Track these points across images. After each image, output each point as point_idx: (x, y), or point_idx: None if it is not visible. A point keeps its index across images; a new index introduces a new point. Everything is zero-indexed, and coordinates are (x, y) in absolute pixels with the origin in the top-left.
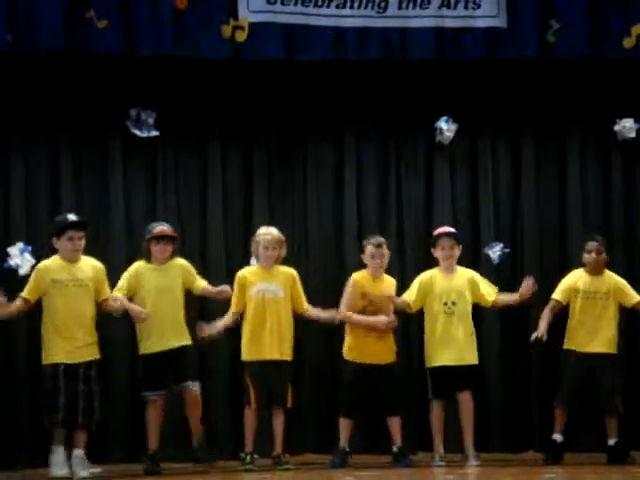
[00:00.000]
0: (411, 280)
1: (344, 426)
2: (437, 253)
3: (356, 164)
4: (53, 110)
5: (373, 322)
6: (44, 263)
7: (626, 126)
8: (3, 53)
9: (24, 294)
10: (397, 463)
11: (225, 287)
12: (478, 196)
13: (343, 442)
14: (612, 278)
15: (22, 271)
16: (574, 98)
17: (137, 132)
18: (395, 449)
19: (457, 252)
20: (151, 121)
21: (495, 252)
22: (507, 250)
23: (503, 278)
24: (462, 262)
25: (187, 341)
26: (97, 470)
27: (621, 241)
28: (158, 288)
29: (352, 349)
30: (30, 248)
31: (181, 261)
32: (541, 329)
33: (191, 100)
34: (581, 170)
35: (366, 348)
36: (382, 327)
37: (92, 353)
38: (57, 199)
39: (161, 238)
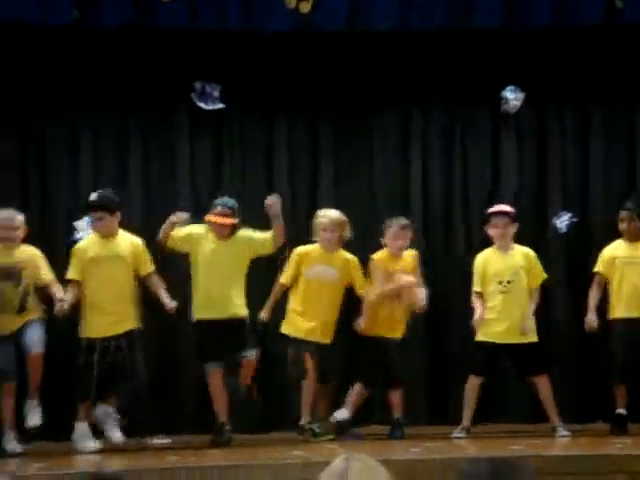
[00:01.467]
0: (477, 252)
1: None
2: (490, 231)
3: (421, 136)
4: (119, 84)
5: (401, 284)
6: (79, 244)
7: None
8: (70, 28)
9: (72, 277)
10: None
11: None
12: (546, 166)
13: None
14: None
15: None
16: None
17: (202, 105)
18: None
19: (511, 230)
20: (216, 94)
21: (563, 222)
22: (575, 219)
23: (571, 248)
24: (529, 233)
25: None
26: (166, 441)
27: None
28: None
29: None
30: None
31: (245, 235)
32: (590, 313)
33: (256, 73)
34: None
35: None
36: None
37: (130, 325)
38: (124, 172)
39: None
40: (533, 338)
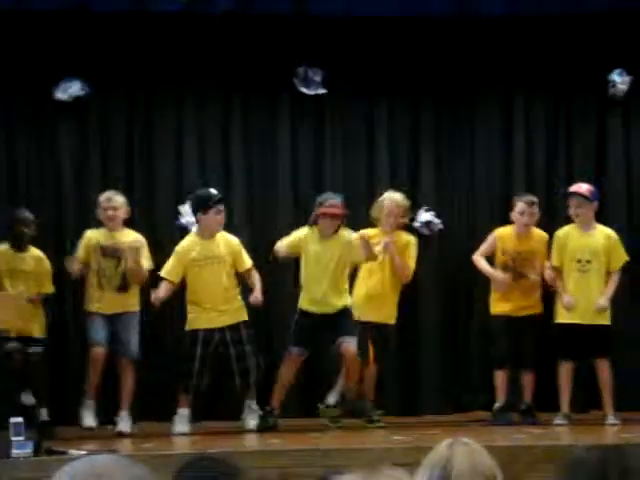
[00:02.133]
0: None
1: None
2: (569, 210)
3: (525, 120)
4: (224, 71)
5: (492, 275)
6: (182, 245)
7: None
8: (175, 15)
9: (167, 276)
10: (523, 420)
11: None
12: None
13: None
14: None
15: (193, 229)
16: None
17: (305, 90)
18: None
19: (583, 211)
20: (318, 79)
21: None
22: None
23: None
24: (635, 217)
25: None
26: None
27: None
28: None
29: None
30: None
31: (347, 235)
32: None
33: (358, 58)
34: None
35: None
36: (498, 285)
37: (236, 317)
38: (227, 157)
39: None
40: (607, 321)
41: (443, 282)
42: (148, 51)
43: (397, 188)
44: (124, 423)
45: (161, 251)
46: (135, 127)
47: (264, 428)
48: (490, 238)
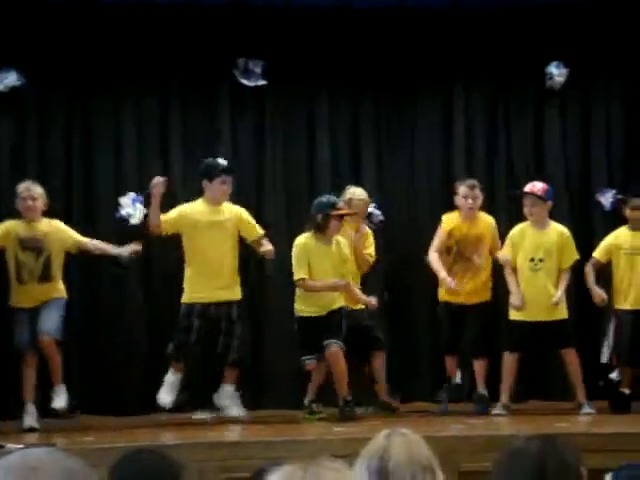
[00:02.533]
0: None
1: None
2: (524, 210)
3: (464, 112)
4: (163, 61)
5: (442, 279)
6: (187, 205)
7: None
8: (113, 5)
9: (162, 220)
10: (480, 410)
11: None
12: (590, 143)
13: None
14: None
15: (133, 220)
16: None
17: (245, 81)
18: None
19: (537, 210)
20: (259, 70)
21: (608, 199)
22: (620, 196)
23: (616, 224)
24: (574, 210)
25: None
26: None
27: None
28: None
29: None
30: (142, 198)
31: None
32: (597, 291)
33: (299, 49)
34: None
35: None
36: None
37: (232, 294)
38: (166, 149)
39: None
40: (564, 315)
41: (387, 272)
42: (86, 42)
43: (338, 181)
44: (59, 399)
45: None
46: (73, 119)
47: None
48: (439, 229)
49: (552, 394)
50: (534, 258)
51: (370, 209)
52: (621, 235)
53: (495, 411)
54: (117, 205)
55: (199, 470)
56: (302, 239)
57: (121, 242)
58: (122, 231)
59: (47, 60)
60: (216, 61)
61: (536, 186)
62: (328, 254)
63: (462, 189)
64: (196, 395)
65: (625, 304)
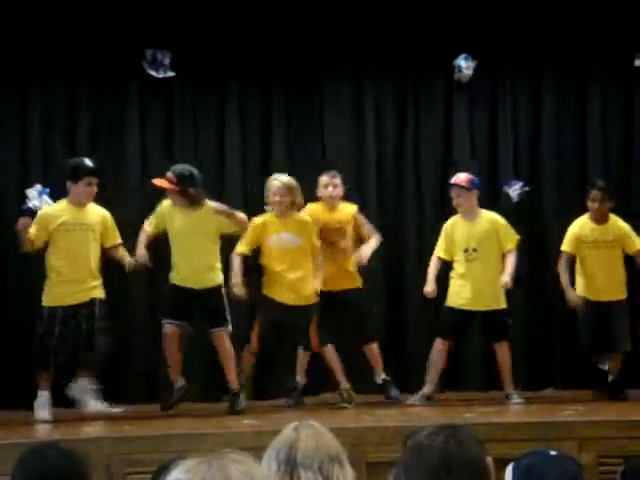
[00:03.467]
0: (429, 221)
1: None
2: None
3: (374, 104)
4: (69, 52)
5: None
6: (50, 207)
7: None
8: None
9: (30, 236)
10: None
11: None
12: (497, 135)
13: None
14: (617, 225)
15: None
16: (595, 32)
17: (153, 73)
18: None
19: (464, 200)
20: (167, 61)
21: (515, 190)
22: (527, 188)
23: (523, 217)
24: (482, 201)
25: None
26: (118, 410)
27: None
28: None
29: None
30: (48, 190)
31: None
32: (570, 292)
33: (207, 39)
34: (602, 108)
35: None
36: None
37: (94, 294)
38: (73, 142)
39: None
40: (502, 305)
41: None
42: None
43: (249, 174)
44: None
45: (8, 236)
46: None
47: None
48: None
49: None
50: (467, 249)
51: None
52: (584, 226)
53: (411, 400)
54: (24, 197)
55: (105, 464)
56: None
57: None
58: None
59: None
60: (125, 53)
61: (460, 177)
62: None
63: (323, 178)
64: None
65: (589, 294)
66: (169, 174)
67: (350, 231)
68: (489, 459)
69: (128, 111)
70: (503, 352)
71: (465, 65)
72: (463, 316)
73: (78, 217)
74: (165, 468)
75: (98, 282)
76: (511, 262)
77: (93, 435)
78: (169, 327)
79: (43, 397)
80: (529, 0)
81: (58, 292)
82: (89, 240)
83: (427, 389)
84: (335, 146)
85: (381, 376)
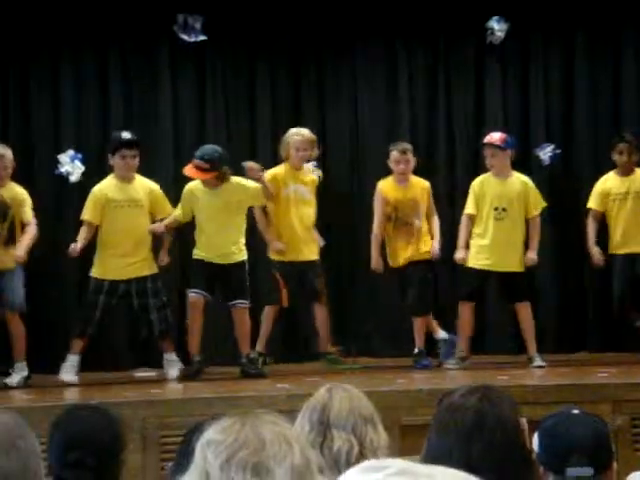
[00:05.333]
0: (462, 185)
1: None
2: (486, 161)
3: (407, 67)
4: (100, 18)
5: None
6: (98, 185)
7: None
8: None
9: (87, 217)
10: (417, 364)
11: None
12: (529, 97)
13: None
14: None
15: (73, 178)
16: None
17: (185, 37)
18: (416, 350)
19: (497, 160)
20: (198, 26)
21: (546, 153)
22: (558, 151)
23: (554, 179)
24: (514, 164)
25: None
26: (150, 374)
27: None
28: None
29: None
30: (80, 156)
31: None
32: (593, 250)
33: (239, 5)
34: (637, 71)
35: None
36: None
37: (145, 269)
38: (106, 108)
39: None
40: (522, 267)
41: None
42: (21, 8)
43: (279, 136)
44: (16, 376)
45: (40, 202)
46: (10, 79)
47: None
48: (376, 200)
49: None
50: (497, 207)
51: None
52: (611, 180)
53: (448, 365)
54: (55, 162)
55: (140, 427)
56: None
57: (59, 199)
58: (60, 189)
59: None
60: (155, 18)
61: (493, 136)
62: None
63: (393, 154)
64: (140, 353)
65: (621, 248)
66: (198, 161)
67: (424, 209)
68: (523, 420)
69: (160, 76)
70: (525, 313)
71: (498, 27)
72: (484, 276)
73: (126, 193)
74: (198, 428)
75: (149, 257)
76: (537, 233)
77: (127, 399)
78: (195, 297)
79: (73, 361)
80: None
81: (107, 265)
82: (137, 215)
83: (460, 352)
84: (367, 112)
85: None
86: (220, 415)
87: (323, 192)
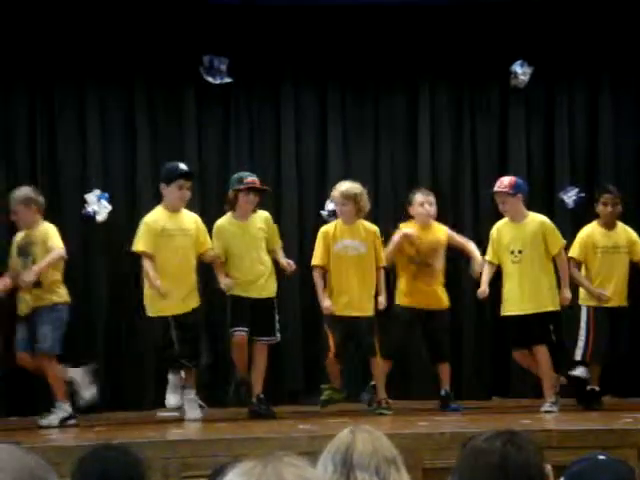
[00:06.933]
0: (484, 224)
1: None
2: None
3: (430, 110)
4: (128, 56)
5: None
6: (150, 215)
7: None
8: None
9: (143, 249)
10: (444, 407)
11: (292, 264)
12: (554, 141)
13: None
14: (626, 231)
15: (99, 217)
16: None
17: (210, 79)
18: (443, 392)
19: (509, 206)
20: (224, 68)
21: (570, 197)
22: (583, 194)
23: (578, 223)
24: (536, 206)
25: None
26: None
27: None
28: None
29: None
30: (107, 195)
31: (265, 215)
32: (592, 289)
33: (264, 46)
34: None
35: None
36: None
37: (196, 300)
38: (132, 148)
39: (252, 190)
40: (549, 307)
41: None
42: (50, 33)
43: (304, 178)
44: (52, 416)
45: (68, 241)
46: (37, 115)
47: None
48: (396, 237)
49: (516, 391)
50: (513, 250)
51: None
52: (594, 232)
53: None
54: (83, 202)
55: (162, 467)
56: (219, 221)
57: (86, 238)
58: (87, 227)
59: (10, 51)
60: (181, 59)
61: (503, 182)
62: (245, 231)
63: (418, 197)
64: (160, 393)
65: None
66: (254, 179)
67: (443, 252)
68: (548, 466)
69: (186, 117)
70: (541, 355)
71: (521, 71)
72: (522, 320)
73: (177, 222)
74: (220, 471)
75: (197, 287)
76: (562, 268)
77: (150, 439)
78: (239, 335)
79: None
80: (585, 7)
81: (164, 301)
82: (189, 245)
83: (552, 395)
84: (390, 154)
85: (445, 388)
86: (242, 457)
87: None
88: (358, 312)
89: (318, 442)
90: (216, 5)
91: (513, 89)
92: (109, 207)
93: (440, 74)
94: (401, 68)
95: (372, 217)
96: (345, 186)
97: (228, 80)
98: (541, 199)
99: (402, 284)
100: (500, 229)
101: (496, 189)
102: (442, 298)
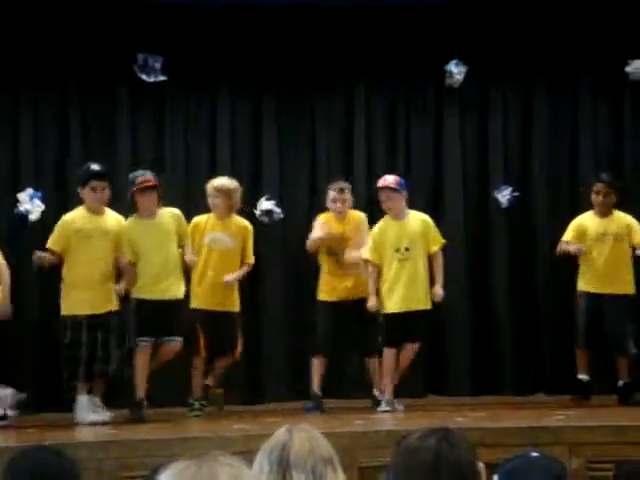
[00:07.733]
0: None
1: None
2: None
3: (365, 111)
4: (60, 58)
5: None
6: (69, 214)
7: (638, 67)
8: None
9: (49, 246)
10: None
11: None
12: (487, 140)
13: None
14: (622, 218)
15: (32, 217)
16: (586, 40)
17: (144, 77)
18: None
19: (393, 202)
20: (158, 66)
21: (504, 196)
22: (516, 194)
23: (512, 222)
24: (470, 206)
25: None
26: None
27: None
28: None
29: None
30: (40, 194)
31: (174, 211)
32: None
33: (199, 45)
34: (593, 114)
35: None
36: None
37: (112, 303)
38: (65, 147)
39: (146, 189)
40: (428, 306)
41: (282, 272)
42: None
43: (238, 177)
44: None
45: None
46: None
47: (136, 420)
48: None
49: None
50: (399, 248)
51: (270, 205)
52: (585, 219)
53: (381, 408)
54: (15, 201)
55: (96, 468)
56: (124, 223)
57: (17, 239)
58: (19, 227)
59: None
60: (115, 57)
61: (387, 179)
62: (151, 229)
63: (331, 193)
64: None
65: (588, 287)
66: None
67: (361, 241)
68: (481, 464)
69: (119, 115)
70: (405, 352)
71: (456, 70)
72: (404, 319)
73: (95, 223)
74: (155, 471)
75: (113, 291)
76: (439, 265)
77: (83, 439)
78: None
79: (83, 402)
80: (520, 6)
81: (78, 301)
82: (106, 247)
83: (388, 394)
84: (326, 154)
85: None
86: (177, 457)
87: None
88: (221, 307)
89: (254, 442)
90: (151, 4)
91: (448, 88)
92: (42, 206)
93: (375, 74)
94: (336, 69)
95: (308, 218)
96: (220, 181)
97: (162, 78)
98: (476, 197)
99: (323, 279)
100: (383, 228)
101: (380, 184)
102: (361, 288)
